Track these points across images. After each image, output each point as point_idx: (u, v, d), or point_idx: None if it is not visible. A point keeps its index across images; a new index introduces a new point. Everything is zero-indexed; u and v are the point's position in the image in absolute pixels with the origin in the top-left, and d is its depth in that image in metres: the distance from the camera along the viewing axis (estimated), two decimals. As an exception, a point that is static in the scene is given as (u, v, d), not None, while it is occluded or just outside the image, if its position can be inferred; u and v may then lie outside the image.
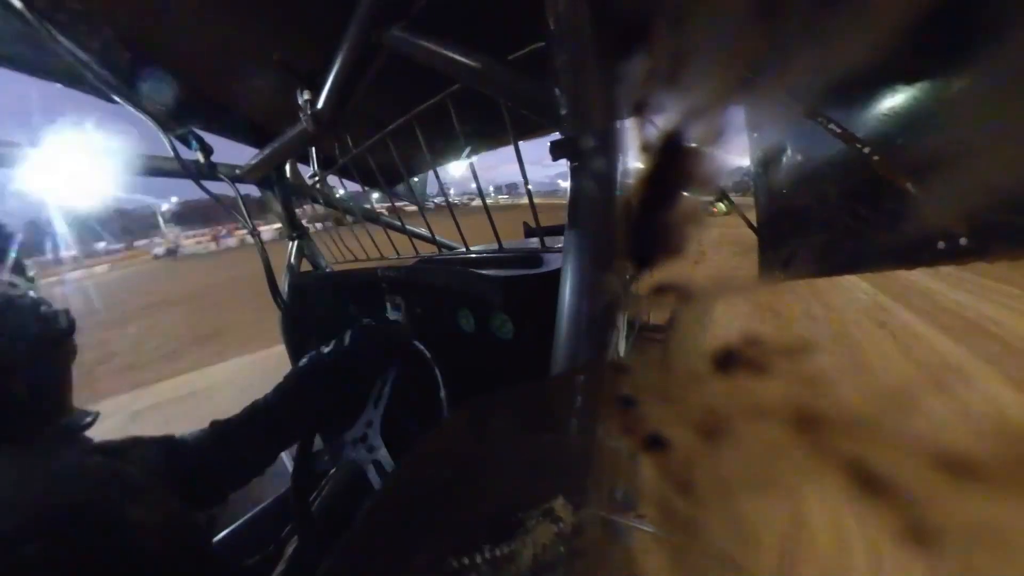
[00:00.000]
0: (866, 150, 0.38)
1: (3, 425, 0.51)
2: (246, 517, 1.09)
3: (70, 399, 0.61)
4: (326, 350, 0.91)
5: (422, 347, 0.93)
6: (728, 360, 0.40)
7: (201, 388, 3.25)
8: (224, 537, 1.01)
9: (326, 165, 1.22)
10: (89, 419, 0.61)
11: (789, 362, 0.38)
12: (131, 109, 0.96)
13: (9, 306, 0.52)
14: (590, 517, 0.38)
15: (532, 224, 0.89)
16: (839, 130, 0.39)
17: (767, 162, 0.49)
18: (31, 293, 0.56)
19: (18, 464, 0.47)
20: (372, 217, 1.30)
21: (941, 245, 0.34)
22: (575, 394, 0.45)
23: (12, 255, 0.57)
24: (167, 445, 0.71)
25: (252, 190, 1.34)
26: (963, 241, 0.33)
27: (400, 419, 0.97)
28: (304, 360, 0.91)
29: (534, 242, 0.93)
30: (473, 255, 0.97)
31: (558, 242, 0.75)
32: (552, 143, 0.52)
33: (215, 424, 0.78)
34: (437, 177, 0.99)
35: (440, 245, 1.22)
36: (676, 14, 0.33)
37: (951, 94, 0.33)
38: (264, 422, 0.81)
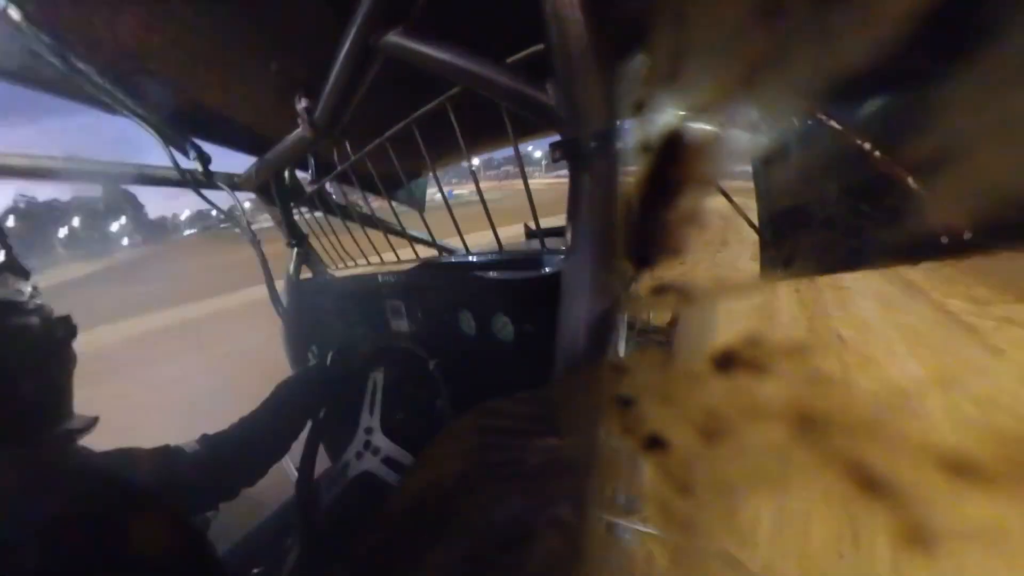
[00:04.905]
0: (868, 147, 0.37)
1: (5, 429, 0.50)
2: (250, 527, 1.08)
3: (71, 404, 0.60)
4: (311, 364, 0.96)
5: (410, 346, 0.94)
6: (729, 360, 0.40)
7: None
8: (228, 547, 1.00)
9: (325, 171, 1.22)
10: (88, 424, 0.61)
11: (790, 362, 0.38)
12: (129, 119, 0.96)
13: (13, 311, 0.52)
14: (595, 522, 0.37)
15: (532, 226, 0.89)
16: (840, 127, 0.39)
17: (769, 160, 0.49)
18: (34, 298, 0.56)
19: (17, 470, 0.47)
20: (372, 222, 1.30)
21: (944, 241, 0.34)
22: (577, 396, 0.44)
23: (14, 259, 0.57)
24: (161, 457, 0.71)
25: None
26: (966, 236, 0.33)
27: (400, 417, 0.98)
28: (291, 377, 0.95)
29: (535, 244, 0.93)
30: (474, 258, 0.97)
31: (559, 243, 0.75)
32: (552, 144, 0.52)
33: (206, 438, 0.79)
34: (437, 181, 0.99)
35: (441, 248, 1.22)
36: (675, 14, 0.33)
37: (953, 90, 0.33)
38: (256, 436, 0.83)
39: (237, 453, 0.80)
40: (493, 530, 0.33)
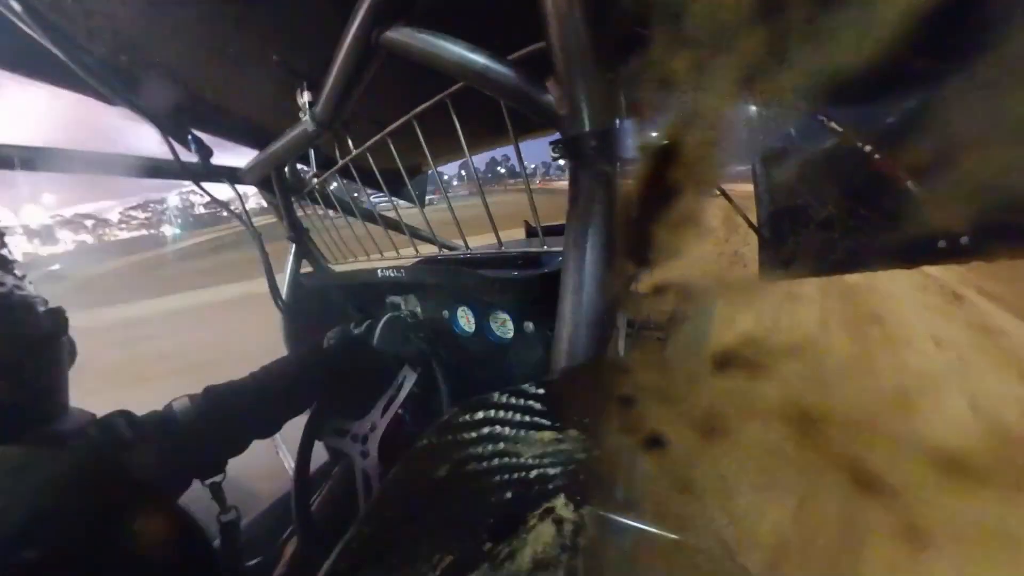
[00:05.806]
0: (867, 149, 0.37)
1: None
2: (248, 519, 1.09)
3: (65, 399, 0.58)
4: (356, 331, 0.93)
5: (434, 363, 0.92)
6: (728, 360, 0.40)
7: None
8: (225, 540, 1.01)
9: (326, 165, 1.22)
10: (84, 420, 0.59)
11: (789, 362, 0.38)
12: (130, 111, 0.96)
13: None
14: (590, 516, 0.38)
15: (532, 223, 0.89)
16: (840, 129, 0.39)
17: (768, 161, 0.49)
18: (19, 291, 0.53)
19: (13, 468, 0.46)
20: (372, 217, 1.30)
21: (942, 244, 0.34)
22: (574, 393, 0.45)
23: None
24: (159, 419, 0.68)
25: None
26: (964, 240, 0.33)
27: (400, 439, 0.95)
28: (332, 337, 0.92)
29: (534, 242, 0.93)
30: (474, 255, 0.97)
31: (558, 242, 0.75)
32: (552, 143, 0.52)
33: (210, 390, 0.75)
34: (438, 177, 0.99)
35: (441, 245, 1.21)
36: (676, 14, 0.33)
37: (952, 94, 0.33)
38: (276, 388, 0.79)
39: (248, 401, 0.75)
40: (485, 521, 0.33)
